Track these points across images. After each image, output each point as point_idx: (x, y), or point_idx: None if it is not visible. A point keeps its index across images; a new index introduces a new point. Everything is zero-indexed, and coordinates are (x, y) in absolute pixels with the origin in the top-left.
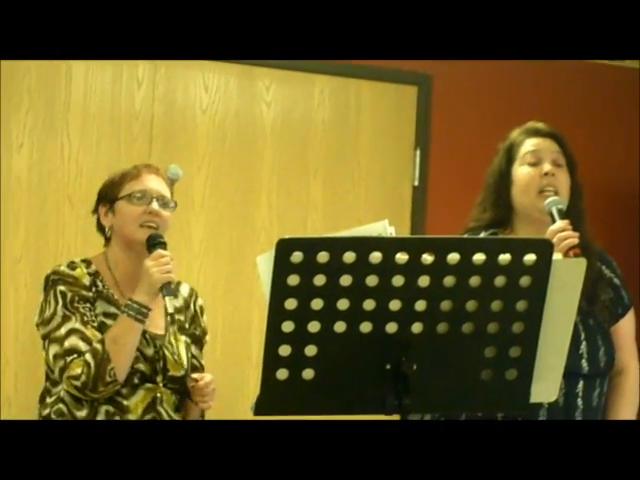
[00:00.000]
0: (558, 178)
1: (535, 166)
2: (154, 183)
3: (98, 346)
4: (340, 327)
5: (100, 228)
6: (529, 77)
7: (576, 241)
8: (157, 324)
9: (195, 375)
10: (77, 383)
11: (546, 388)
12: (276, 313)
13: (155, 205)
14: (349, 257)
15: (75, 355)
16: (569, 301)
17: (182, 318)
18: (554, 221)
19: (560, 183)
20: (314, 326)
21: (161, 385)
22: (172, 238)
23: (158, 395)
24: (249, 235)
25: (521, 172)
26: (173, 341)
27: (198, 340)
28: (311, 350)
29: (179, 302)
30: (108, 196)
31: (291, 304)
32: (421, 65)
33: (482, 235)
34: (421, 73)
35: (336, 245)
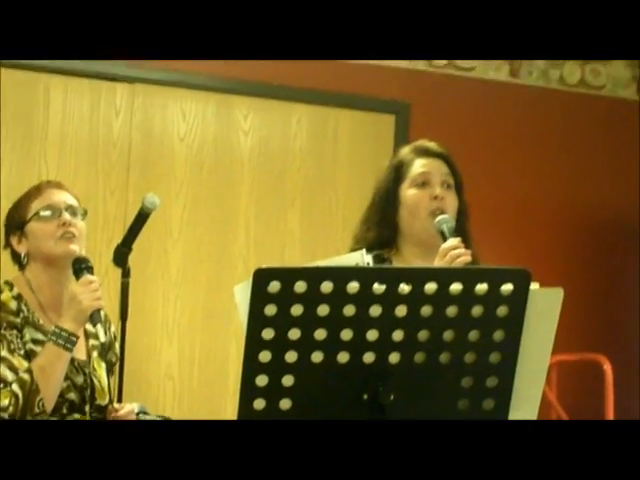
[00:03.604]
0: (447, 201)
1: (424, 187)
2: (58, 196)
3: (25, 376)
4: (317, 357)
5: (15, 257)
6: (507, 105)
7: (469, 259)
8: (79, 349)
9: (115, 405)
10: (4, 415)
11: (523, 417)
12: (253, 343)
13: (67, 215)
14: (326, 287)
15: (1, 385)
16: (546, 331)
17: (98, 342)
18: (445, 239)
19: (449, 206)
20: (291, 356)
21: (88, 415)
22: (149, 266)
23: None
24: (226, 264)
25: (410, 194)
26: (97, 367)
27: (111, 368)
28: (288, 380)
29: (94, 328)
30: (15, 223)
31: (268, 334)
32: (399, 93)
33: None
34: (399, 101)
35: (313, 275)
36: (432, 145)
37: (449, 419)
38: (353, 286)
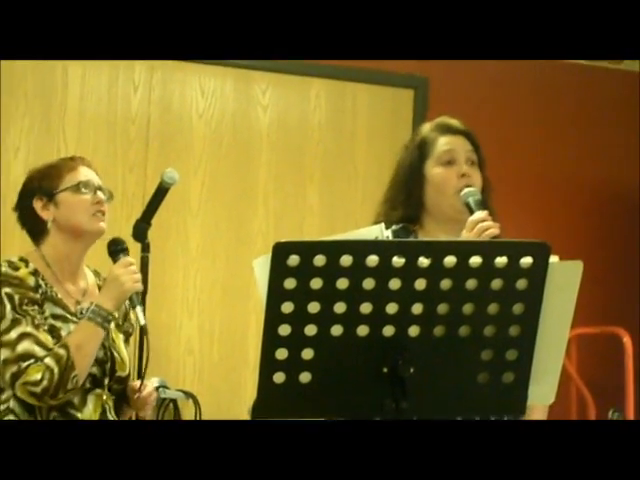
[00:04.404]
0: (473, 178)
1: (450, 165)
2: (92, 175)
3: (61, 351)
4: (337, 330)
5: (28, 223)
6: (526, 80)
7: (497, 231)
8: None
9: (137, 383)
10: (36, 389)
11: (543, 391)
12: (273, 316)
13: (101, 195)
14: (346, 260)
15: (32, 360)
16: (566, 304)
17: (116, 315)
18: (471, 212)
19: (475, 183)
20: (311, 329)
21: (106, 388)
22: (169, 242)
23: (106, 400)
24: (246, 239)
25: (436, 172)
26: (115, 339)
27: (128, 338)
28: (308, 353)
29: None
30: (44, 189)
31: (288, 307)
32: (417, 68)
33: (393, 228)
34: (417, 76)
35: (333, 248)
36: (454, 122)
37: (468, 392)
38: (372, 259)
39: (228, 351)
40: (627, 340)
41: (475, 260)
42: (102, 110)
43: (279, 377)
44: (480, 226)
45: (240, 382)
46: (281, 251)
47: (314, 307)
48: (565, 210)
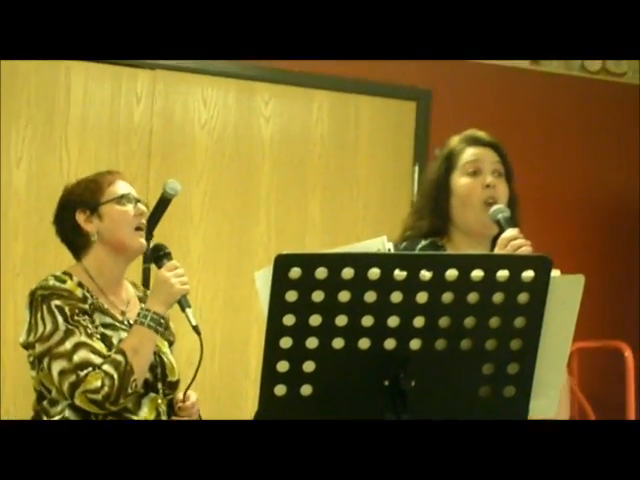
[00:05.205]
0: (499, 189)
1: (475, 176)
2: (130, 188)
3: (119, 357)
4: (338, 343)
5: (70, 236)
6: (528, 94)
7: (530, 249)
8: None
9: (181, 395)
10: (97, 396)
11: (544, 404)
12: (274, 329)
13: (142, 207)
14: (347, 273)
15: (90, 368)
16: (567, 318)
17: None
18: (502, 229)
19: (500, 194)
20: (312, 342)
21: (161, 393)
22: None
23: (160, 404)
24: (247, 250)
25: (461, 183)
26: (161, 345)
27: (170, 346)
28: (309, 366)
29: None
30: (86, 202)
31: (289, 320)
32: (420, 80)
33: (422, 243)
34: (420, 88)
35: (334, 261)
36: (482, 134)
37: (470, 406)
38: (374, 272)
39: (229, 362)
40: (628, 354)
41: (477, 274)
42: (104, 120)
43: (280, 389)
44: (513, 244)
45: (241, 393)
46: (283, 263)
47: (315, 320)
48: (566, 224)
